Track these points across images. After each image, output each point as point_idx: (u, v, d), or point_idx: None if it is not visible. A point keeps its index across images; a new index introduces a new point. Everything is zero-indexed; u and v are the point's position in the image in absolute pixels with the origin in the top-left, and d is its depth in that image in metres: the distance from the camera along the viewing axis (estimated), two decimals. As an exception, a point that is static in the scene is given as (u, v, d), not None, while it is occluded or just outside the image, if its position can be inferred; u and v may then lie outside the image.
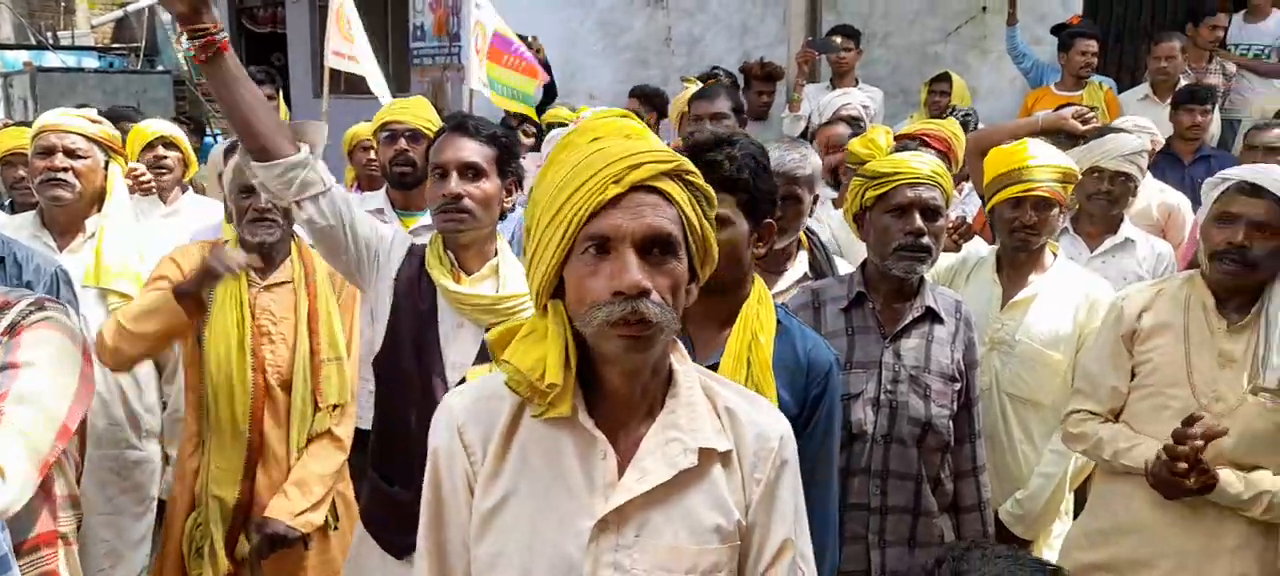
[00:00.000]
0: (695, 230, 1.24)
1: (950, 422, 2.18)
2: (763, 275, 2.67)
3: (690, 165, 1.25)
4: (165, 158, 3.76)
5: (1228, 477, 2.10)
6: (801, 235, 2.73)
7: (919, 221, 2.13)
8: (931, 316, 2.20)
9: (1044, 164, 2.62)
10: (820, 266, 2.69)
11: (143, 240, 2.97)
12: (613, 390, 1.26)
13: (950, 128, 3.12)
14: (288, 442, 2.54)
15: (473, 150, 2.12)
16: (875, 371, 2.15)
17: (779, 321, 1.77)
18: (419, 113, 3.23)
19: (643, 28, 7.24)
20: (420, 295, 2.14)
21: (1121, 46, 6.53)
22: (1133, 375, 2.32)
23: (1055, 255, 2.72)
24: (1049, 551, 2.68)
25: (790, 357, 1.75)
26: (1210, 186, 2.25)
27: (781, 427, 1.34)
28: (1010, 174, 2.65)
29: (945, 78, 5.52)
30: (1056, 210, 2.63)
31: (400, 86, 9.00)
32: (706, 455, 1.26)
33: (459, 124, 2.17)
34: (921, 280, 2.21)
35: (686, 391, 1.29)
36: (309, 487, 2.50)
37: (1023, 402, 2.63)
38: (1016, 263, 2.68)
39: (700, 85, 4.27)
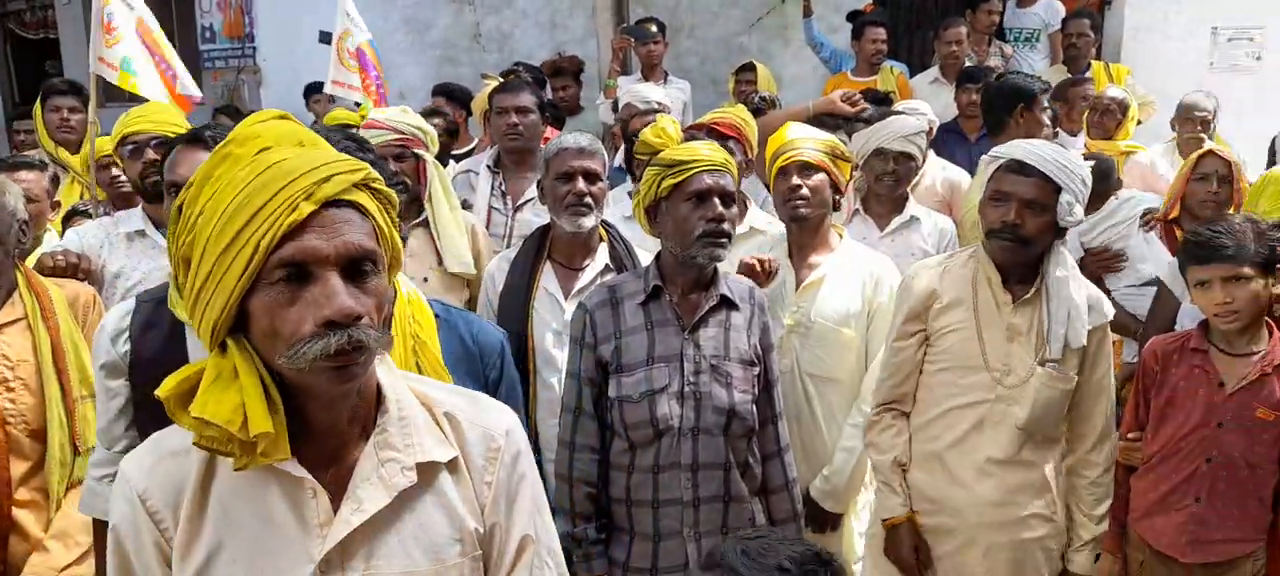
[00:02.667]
0: (388, 240, 1.14)
1: (753, 407, 2.20)
2: (564, 271, 2.65)
3: (376, 174, 1.14)
4: None
5: None
6: (601, 228, 2.69)
7: (719, 207, 2.14)
8: (727, 304, 2.20)
9: (804, 136, 2.73)
10: (620, 259, 2.66)
11: None
12: (317, 422, 1.13)
13: (740, 114, 3.16)
14: (47, 495, 2.26)
15: None
16: (676, 364, 2.14)
17: (437, 316, 1.73)
18: (161, 118, 2.93)
19: (450, 24, 7.04)
20: (165, 342, 1.82)
21: (912, 32, 6.88)
22: (927, 349, 2.40)
23: (841, 236, 2.78)
24: (857, 520, 2.76)
25: (459, 348, 1.73)
26: (984, 166, 2.34)
27: (506, 422, 1.27)
28: (777, 151, 2.73)
29: (750, 67, 5.65)
30: (822, 176, 2.67)
31: (191, 92, 8.40)
32: (429, 469, 1.18)
33: (194, 137, 1.95)
34: (715, 269, 2.21)
35: (397, 406, 1.19)
36: (72, 538, 2.24)
37: (822, 381, 2.69)
38: (804, 245, 2.74)
39: (500, 81, 4.15)
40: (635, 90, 4.29)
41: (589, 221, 2.58)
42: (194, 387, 1.07)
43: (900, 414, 2.46)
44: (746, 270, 2.57)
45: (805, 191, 2.65)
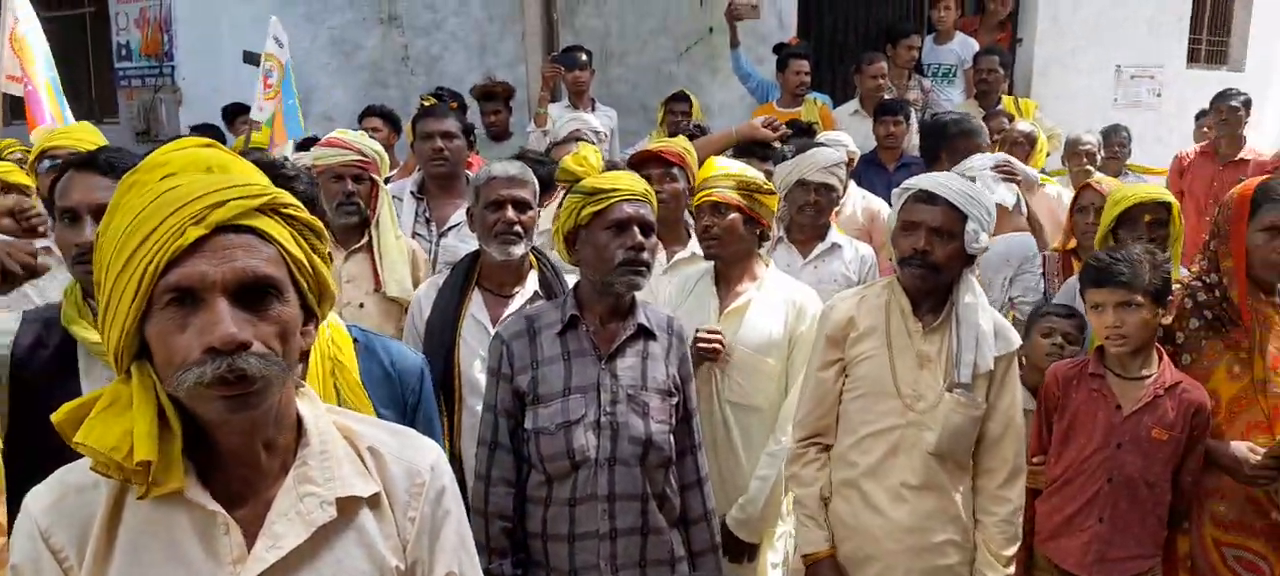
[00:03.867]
0: (303, 267, 1.12)
1: (671, 437, 2.20)
2: (493, 298, 2.65)
3: (288, 198, 1.13)
4: None
5: None
6: (532, 256, 2.71)
7: (639, 236, 2.15)
8: (645, 333, 2.21)
9: (721, 172, 2.77)
10: (550, 285, 2.67)
11: None
12: (230, 453, 1.11)
13: (682, 144, 3.22)
14: None
15: (107, 189, 1.80)
16: (593, 394, 2.13)
17: (357, 340, 1.72)
18: (83, 136, 2.87)
19: (378, 46, 6.98)
20: (52, 360, 1.78)
21: (835, 66, 7.08)
22: (845, 377, 2.44)
23: (766, 266, 2.84)
24: (773, 551, 2.79)
25: (379, 373, 1.72)
26: (896, 196, 2.41)
27: (431, 458, 1.26)
28: (699, 187, 2.78)
29: (684, 98, 5.73)
30: (735, 215, 2.71)
31: (105, 109, 8.14)
32: (350, 504, 1.16)
33: (88, 160, 1.86)
34: (633, 298, 2.21)
35: (319, 439, 1.18)
36: None
37: (742, 408, 2.72)
38: (728, 274, 2.78)
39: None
40: (585, 119, 4.32)
41: (518, 250, 2.59)
42: (86, 412, 1.06)
43: (823, 447, 2.47)
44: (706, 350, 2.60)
45: (716, 231, 2.71)
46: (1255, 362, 2.41)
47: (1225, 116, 5.63)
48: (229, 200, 1.06)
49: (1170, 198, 3.07)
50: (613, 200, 2.16)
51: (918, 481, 2.32)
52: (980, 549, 2.36)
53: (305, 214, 1.15)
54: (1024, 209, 3.80)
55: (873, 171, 4.87)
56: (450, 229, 3.43)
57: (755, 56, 6.53)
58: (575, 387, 2.12)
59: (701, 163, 3.05)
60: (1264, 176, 2.73)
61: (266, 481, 1.14)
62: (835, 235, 3.37)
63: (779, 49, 6.06)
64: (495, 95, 5.73)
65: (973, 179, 3.14)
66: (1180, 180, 5.86)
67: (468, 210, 2.71)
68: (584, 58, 5.81)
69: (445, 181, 3.52)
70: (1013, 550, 2.37)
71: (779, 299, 2.73)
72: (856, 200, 4.04)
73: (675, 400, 2.21)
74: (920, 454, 2.31)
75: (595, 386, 2.13)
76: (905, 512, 2.33)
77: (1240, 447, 2.35)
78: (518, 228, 2.56)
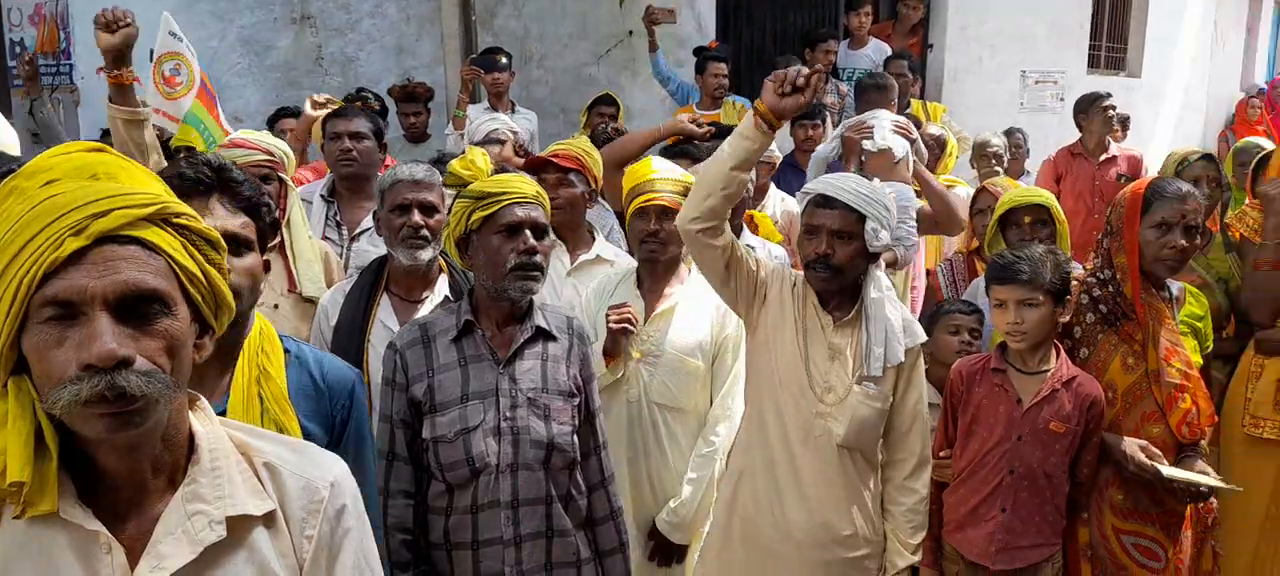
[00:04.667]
0: (196, 279, 1.08)
1: (574, 438, 2.17)
2: (402, 303, 2.60)
3: (181, 207, 1.08)
4: None
5: None
6: (440, 260, 2.66)
7: (532, 239, 2.12)
8: (544, 336, 2.18)
9: (665, 177, 2.76)
10: (461, 289, 2.63)
11: None
12: (112, 471, 1.06)
13: (583, 146, 3.19)
14: None
15: None
16: (492, 399, 2.09)
17: (288, 350, 1.68)
18: None
19: (290, 46, 6.79)
20: None
21: (754, 69, 7.16)
22: (754, 369, 2.46)
23: (690, 269, 2.85)
24: (694, 549, 2.80)
25: (308, 385, 1.67)
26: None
27: (332, 474, 1.21)
28: (636, 188, 2.76)
29: (609, 101, 5.72)
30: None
31: (-1, 110, 7.75)
32: (241, 523, 1.11)
33: None
34: (530, 301, 2.18)
35: (211, 455, 1.13)
36: None
37: (670, 410, 2.72)
38: (655, 275, 2.78)
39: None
40: (503, 121, 4.27)
41: (426, 254, 2.54)
42: None
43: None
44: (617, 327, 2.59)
45: (662, 236, 2.70)
46: (1149, 354, 2.51)
47: (1109, 116, 5.87)
48: (113, 210, 1.01)
49: (1048, 198, 3.22)
50: (502, 204, 2.13)
51: (827, 473, 2.36)
52: (889, 537, 2.42)
53: (200, 224, 1.10)
54: (911, 166, 3.89)
55: (791, 174, 4.93)
56: (363, 233, 3.35)
57: (675, 60, 6.56)
58: (473, 394, 2.09)
59: (628, 162, 3.05)
60: (1154, 177, 2.85)
61: (152, 499, 1.09)
62: (749, 237, 3.40)
63: (698, 52, 6.10)
64: (415, 97, 5.65)
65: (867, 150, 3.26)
66: (1057, 184, 6.06)
67: (374, 214, 2.66)
68: (504, 60, 5.76)
69: (355, 183, 3.44)
70: (920, 538, 2.43)
71: (706, 301, 2.73)
72: (776, 202, 4.10)
73: (578, 401, 2.19)
74: (829, 446, 2.34)
75: (494, 391, 2.09)
76: (814, 504, 2.36)
77: (1130, 444, 2.44)
78: (425, 232, 2.51)
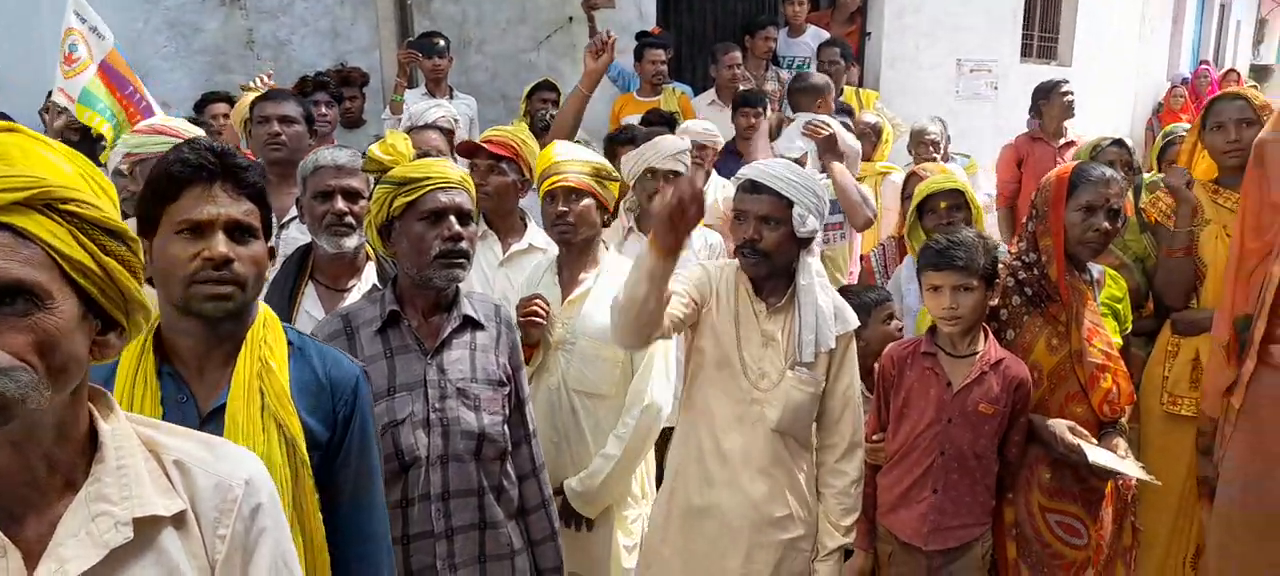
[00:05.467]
0: (89, 270, 1.03)
1: (505, 428, 2.15)
2: (328, 292, 2.54)
3: (71, 192, 1.02)
4: None
5: None
6: (367, 247, 2.61)
7: (457, 226, 2.08)
8: (472, 324, 2.14)
9: (570, 158, 2.75)
10: (389, 276, 2.58)
11: None
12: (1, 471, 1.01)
13: (518, 134, 3.15)
14: None
15: None
16: (420, 391, 2.05)
17: (291, 343, 1.63)
18: None
19: (220, 29, 6.59)
20: None
21: (694, 56, 7.17)
22: (693, 356, 2.47)
23: (607, 247, 2.84)
24: (626, 536, 2.80)
25: (310, 380, 1.62)
26: (732, 186, 2.45)
27: (246, 471, 1.17)
28: (544, 172, 2.75)
29: (550, 87, 5.67)
30: (589, 200, 2.72)
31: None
32: (150, 524, 1.06)
33: None
34: (457, 289, 2.14)
35: (117, 453, 1.08)
36: None
37: (589, 396, 2.71)
38: (571, 260, 2.76)
39: (261, 90, 3.94)
40: (443, 107, 4.22)
41: (350, 242, 2.48)
42: None
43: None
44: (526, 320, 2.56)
45: (571, 217, 2.68)
46: (1072, 334, 2.56)
47: (1068, 101, 6.00)
48: None
49: (962, 184, 3.34)
50: (426, 189, 2.08)
51: (760, 457, 2.38)
52: (822, 519, 2.45)
53: (97, 212, 1.04)
54: (815, 165, 3.95)
55: (732, 161, 4.94)
56: (291, 220, 3.27)
57: (617, 47, 6.52)
58: (400, 386, 2.04)
59: (567, 131, 3.01)
60: (1078, 162, 2.91)
61: (51, 500, 1.03)
62: (688, 222, 3.40)
63: (639, 37, 6.08)
64: (350, 81, 5.54)
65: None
66: (1019, 169, 6.19)
67: (297, 200, 2.59)
68: (443, 44, 5.67)
69: (284, 169, 3.35)
70: (852, 520, 2.46)
71: (620, 283, 2.73)
72: (717, 189, 4.10)
73: (507, 390, 2.16)
74: (763, 431, 2.36)
75: (422, 382, 2.05)
76: (749, 488, 2.38)
77: (1059, 425, 2.50)
78: (349, 218, 2.46)
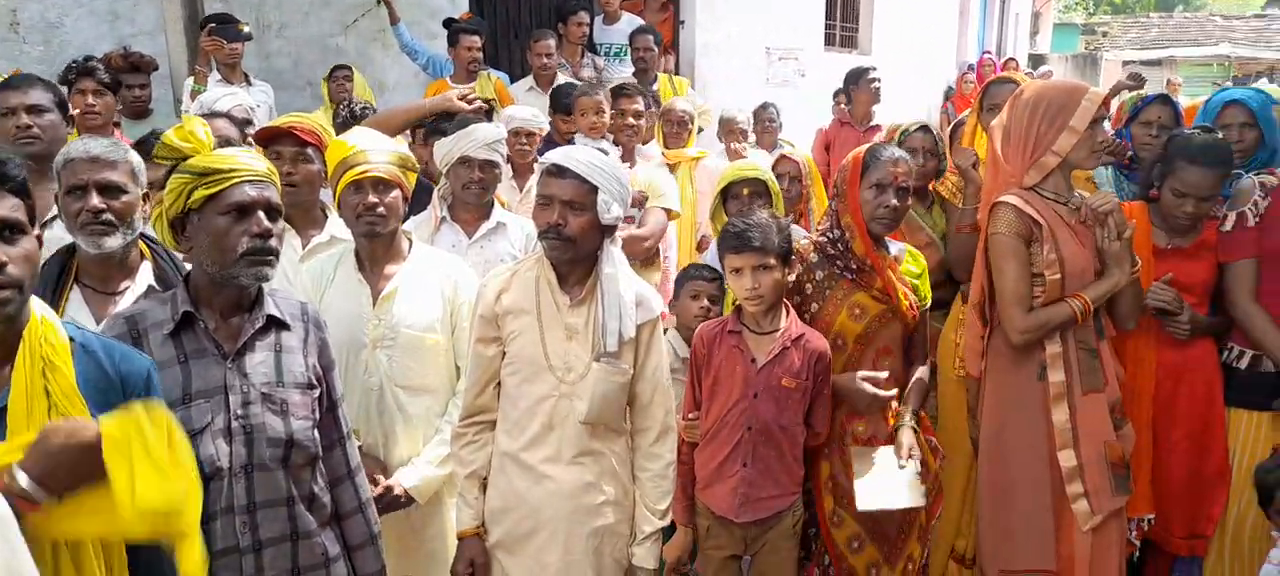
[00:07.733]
0: None
1: (315, 433, 2.04)
2: (97, 295, 2.31)
3: None
4: None
5: None
6: (142, 244, 2.40)
7: (265, 221, 1.95)
8: (277, 324, 2.02)
9: (374, 148, 2.66)
10: (168, 278, 2.38)
11: None
12: None
13: (320, 121, 3.01)
14: None
15: None
16: (220, 397, 1.91)
17: (73, 340, 1.53)
18: None
19: (-24, 9, 5.91)
20: None
21: (510, 42, 7.06)
22: (503, 354, 2.44)
23: (410, 243, 2.76)
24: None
25: (98, 376, 1.54)
26: (537, 169, 2.42)
27: None
28: (345, 161, 2.64)
29: (344, 68, 5.45)
30: (397, 191, 2.65)
31: None
32: None
33: None
34: (260, 288, 2.01)
35: None
36: None
37: (413, 390, 2.65)
38: (376, 254, 2.67)
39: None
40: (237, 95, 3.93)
41: (112, 241, 2.26)
42: None
43: (485, 425, 2.49)
44: None
45: (381, 209, 2.59)
46: (897, 293, 2.70)
47: (875, 88, 6.30)
48: None
49: (765, 172, 3.50)
50: (232, 182, 1.93)
51: (574, 450, 2.39)
52: (637, 504, 2.49)
53: None
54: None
55: (552, 149, 4.91)
56: (54, 219, 2.96)
57: (427, 32, 6.34)
58: (197, 393, 1.89)
59: (390, 131, 2.90)
60: (871, 144, 3.07)
61: None
62: (500, 213, 3.34)
63: (448, 24, 5.93)
64: (138, 68, 5.09)
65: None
66: (826, 153, 6.49)
67: (55, 196, 2.35)
68: (247, 29, 5.36)
69: (41, 163, 3.02)
70: (667, 503, 2.52)
71: (432, 275, 2.67)
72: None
73: (318, 393, 2.05)
74: (573, 423, 2.38)
75: (222, 388, 1.91)
76: (563, 480, 2.39)
77: (854, 379, 2.64)
78: (108, 216, 2.25)
